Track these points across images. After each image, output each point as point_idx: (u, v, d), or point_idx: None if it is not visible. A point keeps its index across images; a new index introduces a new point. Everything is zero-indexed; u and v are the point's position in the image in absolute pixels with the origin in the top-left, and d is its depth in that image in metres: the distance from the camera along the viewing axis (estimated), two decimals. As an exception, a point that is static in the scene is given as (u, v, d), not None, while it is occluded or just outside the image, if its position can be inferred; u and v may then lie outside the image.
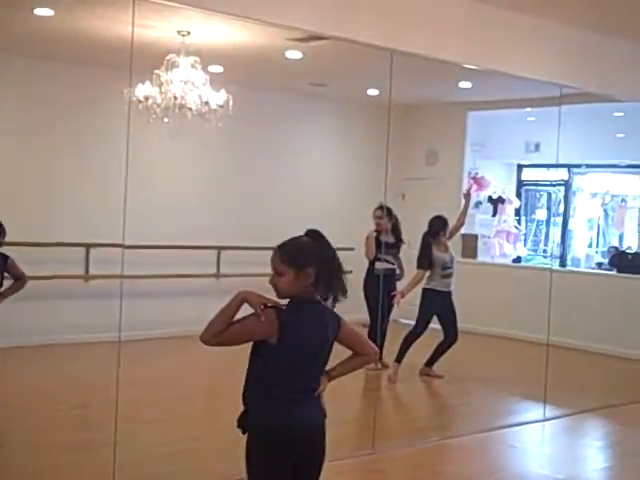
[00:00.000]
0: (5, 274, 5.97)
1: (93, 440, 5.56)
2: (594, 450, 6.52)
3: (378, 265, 8.09)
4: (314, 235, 3.22)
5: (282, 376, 3.01)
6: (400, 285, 8.20)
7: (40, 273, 8.36)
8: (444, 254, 7.91)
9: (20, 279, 5.99)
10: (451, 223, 8.21)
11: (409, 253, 8.64)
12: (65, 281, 8.29)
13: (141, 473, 5.02)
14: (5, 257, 6.00)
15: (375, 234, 8.34)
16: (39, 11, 6.47)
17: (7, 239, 8.23)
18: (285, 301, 3.05)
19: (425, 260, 7.81)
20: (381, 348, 8.02)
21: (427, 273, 7.87)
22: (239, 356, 6.47)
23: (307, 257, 3.09)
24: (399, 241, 8.50)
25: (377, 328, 7.66)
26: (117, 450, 4.84)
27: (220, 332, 3.07)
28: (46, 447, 5.41)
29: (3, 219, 8.12)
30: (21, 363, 7.87)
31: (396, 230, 8.50)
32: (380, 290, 7.70)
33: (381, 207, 8.28)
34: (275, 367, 3.00)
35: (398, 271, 8.40)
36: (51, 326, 8.47)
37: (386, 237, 8.32)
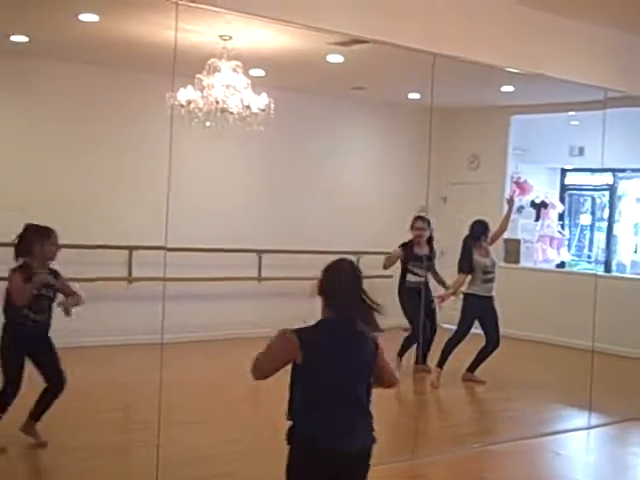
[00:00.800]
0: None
1: (136, 441, 5.59)
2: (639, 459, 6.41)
3: (410, 277, 8.12)
4: (338, 262, 3.36)
5: (318, 395, 3.11)
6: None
7: (83, 275, 8.47)
8: (485, 259, 7.84)
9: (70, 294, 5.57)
10: (493, 228, 8.13)
11: (442, 260, 8.62)
12: (108, 283, 8.36)
13: (184, 475, 5.03)
14: (56, 273, 5.60)
15: (400, 249, 8.20)
16: (84, 17, 6.56)
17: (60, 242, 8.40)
18: None
19: (466, 264, 7.74)
20: (425, 354, 8.01)
21: (468, 278, 7.80)
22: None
23: (320, 283, 3.28)
24: (432, 253, 8.35)
25: (418, 337, 7.68)
26: (160, 451, 4.87)
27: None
28: (90, 448, 5.45)
29: (48, 222, 8.22)
30: (64, 365, 7.96)
31: (431, 242, 8.36)
32: (415, 302, 7.66)
33: (422, 218, 8.20)
34: (309, 386, 3.12)
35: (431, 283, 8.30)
36: (94, 328, 8.56)
37: (419, 249, 8.20)
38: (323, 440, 3.07)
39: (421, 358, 8.03)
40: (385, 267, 8.14)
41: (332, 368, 3.11)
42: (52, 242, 5.42)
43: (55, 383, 5.42)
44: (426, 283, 8.13)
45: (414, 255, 8.12)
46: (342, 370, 3.13)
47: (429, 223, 8.25)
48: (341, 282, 3.27)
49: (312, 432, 3.09)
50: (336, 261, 3.34)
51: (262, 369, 3.24)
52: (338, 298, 3.22)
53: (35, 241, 5.37)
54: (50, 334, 5.53)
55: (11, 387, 5.28)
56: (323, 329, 3.20)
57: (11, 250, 5.46)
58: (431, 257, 8.27)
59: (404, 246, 8.20)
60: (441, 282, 8.25)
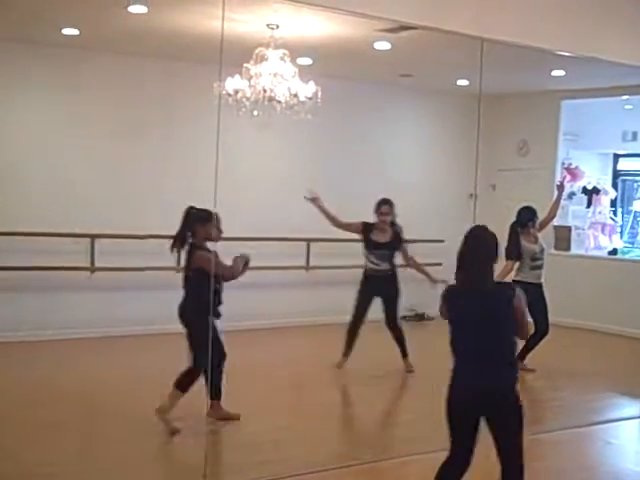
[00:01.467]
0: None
1: (185, 428, 5.65)
2: (694, 448, 6.29)
3: (367, 265, 7.60)
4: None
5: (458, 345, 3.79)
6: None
7: (133, 265, 8.60)
8: (533, 245, 7.74)
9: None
10: (542, 215, 8.02)
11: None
12: (157, 272, 8.46)
13: (232, 461, 5.09)
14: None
15: (362, 226, 7.55)
16: (133, 8, 6.63)
17: (105, 231, 8.53)
18: None
19: (513, 251, 7.63)
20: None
21: (516, 265, 7.71)
22: (326, 347, 6.44)
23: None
24: (396, 241, 7.59)
25: (354, 327, 7.51)
26: (208, 439, 4.92)
27: None
28: (139, 435, 5.54)
29: (98, 214, 8.38)
30: (116, 351, 8.09)
31: (395, 228, 7.62)
32: (364, 293, 7.50)
33: (387, 202, 7.58)
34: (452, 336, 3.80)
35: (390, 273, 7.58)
36: (145, 316, 8.69)
37: (380, 236, 7.53)
38: (459, 380, 3.77)
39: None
40: (336, 226, 7.57)
41: (465, 321, 3.75)
42: (214, 225, 5.64)
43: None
44: (391, 274, 7.59)
45: (372, 242, 7.50)
46: (474, 323, 3.71)
47: (393, 207, 7.60)
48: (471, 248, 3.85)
49: (453, 379, 3.78)
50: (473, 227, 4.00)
51: None
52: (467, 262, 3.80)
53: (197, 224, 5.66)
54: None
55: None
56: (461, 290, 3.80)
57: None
58: (395, 246, 7.56)
59: (365, 227, 7.56)
60: (419, 269, 7.70)
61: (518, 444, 3.81)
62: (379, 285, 7.52)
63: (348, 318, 7.54)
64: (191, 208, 5.75)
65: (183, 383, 5.54)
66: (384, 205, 7.51)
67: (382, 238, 7.48)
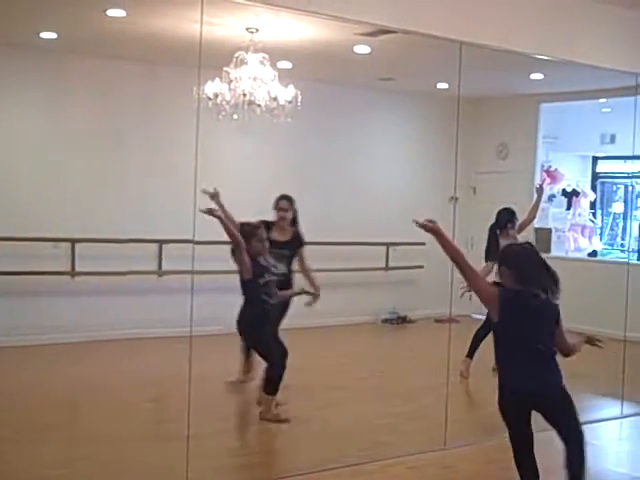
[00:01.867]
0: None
1: (167, 432, 5.63)
2: (674, 448, 6.33)
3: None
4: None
5: (509, 348, 4.23)
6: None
7: (114, 269, 8.56)
8: None
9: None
10: (522, 217, 8.05)
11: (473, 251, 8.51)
12: (139, 277, 8.43)
13: (214, 465, 5.07)
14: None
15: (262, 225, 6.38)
16: (112, 12, 6.60)
17: (85, 236, 8.48)
18: None
19: (492, 252, 7.65)
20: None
21: (495, 267, 7.70)
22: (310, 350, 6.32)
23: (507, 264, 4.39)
24: (296, 241, 6.81)
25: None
26: (190, 443, 4.90)
27: None
28: (121, 439, 5.52)
29: (79, 218, 8.31)
30: (97, 356, 8.04)
31: (295, 226, 6.88)
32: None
33: (286, 197, 6.86)
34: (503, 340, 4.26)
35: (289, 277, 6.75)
36: (124, 321, 8.65)
37: (280, 234, 6.72)
38: (508, 383, 4.20)
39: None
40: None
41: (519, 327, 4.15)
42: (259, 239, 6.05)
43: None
44: (287, 277, 6.67)
45: (271, 241, 6.43)
46: (527, 329, 4.14)
47: (293, 203, 6.89)
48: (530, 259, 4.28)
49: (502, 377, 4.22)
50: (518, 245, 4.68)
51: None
52: (528, 271, 4.21)
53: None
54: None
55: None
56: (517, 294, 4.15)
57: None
58: (294, 246, 6.78)
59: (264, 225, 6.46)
60: (307, 274, 6.80)
61: (575, 416, 4.32)
62: None
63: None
64: (242, 224, 6.16)
65: (269, 388, 5.95)
66: (282, 200, 6.81)
67: (281, 237, 6.71)
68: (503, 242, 7.70)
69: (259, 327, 5.97)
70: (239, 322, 6.07)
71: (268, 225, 6.62)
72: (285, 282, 6.54)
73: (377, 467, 5.18)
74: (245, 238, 5.94)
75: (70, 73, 8.54)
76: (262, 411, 6.02)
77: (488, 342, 7.68)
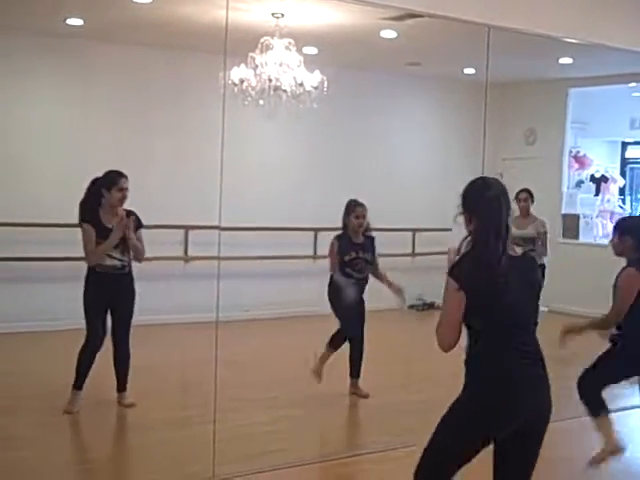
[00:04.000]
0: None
1: (193, 418, 5.66)
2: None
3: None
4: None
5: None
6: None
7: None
8: (521, 230, 7.63)
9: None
10: (552, 200, 7.95)
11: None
12: (165, 263, 8.46)
13: (240, 451, 5.09)
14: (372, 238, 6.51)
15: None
16: (138, -2, 6.61)
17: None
18: None
19: None
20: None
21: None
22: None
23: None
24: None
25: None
26: (217, 428, 4.92)
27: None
28: (148, 424, 5.56)
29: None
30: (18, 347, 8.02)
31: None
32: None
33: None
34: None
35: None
36: (152, 307, 8.67)
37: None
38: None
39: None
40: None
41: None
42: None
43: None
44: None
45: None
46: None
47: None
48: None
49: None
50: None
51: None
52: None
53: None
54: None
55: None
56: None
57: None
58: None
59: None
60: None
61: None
62: None
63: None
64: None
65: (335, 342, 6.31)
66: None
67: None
68: (513, 225, 7.58)
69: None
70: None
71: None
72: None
73: (404, 453, 5.15)
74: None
75: (96, 60, 8.56)
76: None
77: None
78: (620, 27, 6.87)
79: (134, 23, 7.59)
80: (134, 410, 5.79)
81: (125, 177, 5.78)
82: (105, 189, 5.72)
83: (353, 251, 6.43)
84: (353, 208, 6.48)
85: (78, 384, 5.73)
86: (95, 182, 5.80)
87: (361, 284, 6.47)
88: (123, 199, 5.76)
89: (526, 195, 7.68)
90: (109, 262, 5.73)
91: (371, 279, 6.62)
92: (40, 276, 8.31)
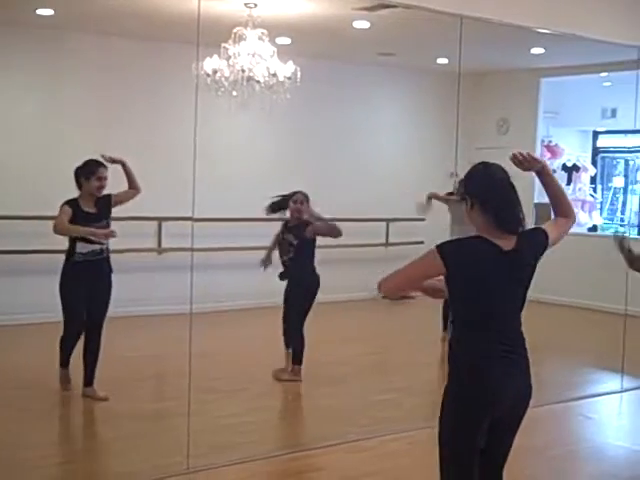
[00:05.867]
0: None
1: (168, 409, 5.66)
2: (674, 422, 6.36)
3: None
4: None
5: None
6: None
7: (114, 247, 8.53)
8: None
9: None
10: (524, 189, 8.00)
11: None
12: (138, 254, 8.42)
13: (214, 442, 5.09)
14: None
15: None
16: (108, -12, 6.55)
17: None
18: None
19: None
20: None
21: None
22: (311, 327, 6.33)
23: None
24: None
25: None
26: (191, 420, 4.92)
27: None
28: (121, 416, 5.54)
29: (75, 195, 8.25)
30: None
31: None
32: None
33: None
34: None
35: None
36: (125, 298, 8.63)
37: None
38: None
39: None
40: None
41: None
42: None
43: None
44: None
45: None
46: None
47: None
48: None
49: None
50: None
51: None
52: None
53: None
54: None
55: None
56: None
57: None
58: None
59: None
60: None
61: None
62: None
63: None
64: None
65: None
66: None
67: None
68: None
69: None
70: None
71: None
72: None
73: (377, 443, 5.20)
74: None
75: (67, 50, 8.47)
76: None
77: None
78: (591, 17, 6.92)
79: (106, 13, 7.51)
80: (107, 403, 5.76)
81: (104, 166, 5.83)
82: (84, 178, 5.78)
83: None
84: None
85: (64, 363, 5.88)
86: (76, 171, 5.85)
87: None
88: (101, 188, 5.80)
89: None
90: (89, 248, 5.74)
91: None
92: (19, 269, 8.23)
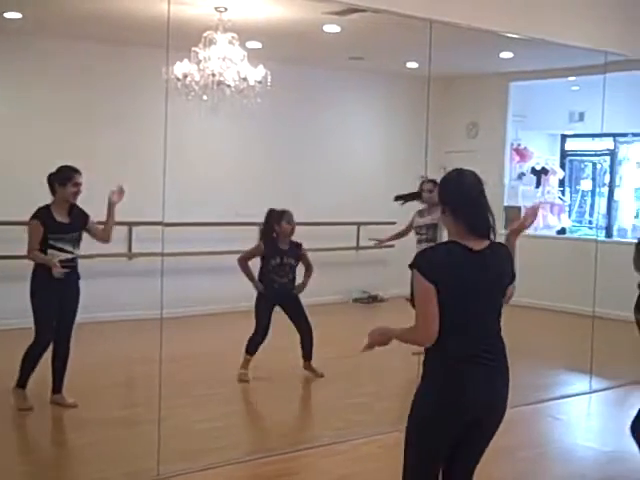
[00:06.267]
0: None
1: (137, 416, 5.62)
2: (641, 423, 6.42)
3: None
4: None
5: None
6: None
7: (84, 252, 8.46)
8: (421, 218, 7.71)
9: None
10: (494, 193, 8.04)
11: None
12: (108, 259, 8.37)
13: (184, 449, 5.07)
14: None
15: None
16: (77, -9, 6.50)
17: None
18: None
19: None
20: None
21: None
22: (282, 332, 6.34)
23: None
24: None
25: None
26: (161, 426, 4.89)
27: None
28: (91, 422, 5.49)
29: (44, 200, 8.19)
30: (73, 339, 7.97)
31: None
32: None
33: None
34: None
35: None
36: (95, 304, 8.57)
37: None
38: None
39: None
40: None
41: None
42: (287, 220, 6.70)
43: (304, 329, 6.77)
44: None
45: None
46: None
47: None
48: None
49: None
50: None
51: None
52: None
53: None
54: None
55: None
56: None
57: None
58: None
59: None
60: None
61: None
62: None
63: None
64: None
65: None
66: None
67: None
68: (418, 214, 7.70)
69: None
70: None
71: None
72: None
73: (349, 447, 5.21)
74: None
75: (35, 54, 8.40)
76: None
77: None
78: (559, 22, 7.00)
79: (74, 17, 7.46)
80: (77, 410, 5.72)
81: (79, 172, 5.80)
82: (59, 184, 5.71)
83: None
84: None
85: (21, 383, 5.67)
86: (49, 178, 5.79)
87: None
88: (77, 194, 5.77)
89: (431, 186, 7.57)
90: (61, 256, 5.66)
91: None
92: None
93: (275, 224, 6.72)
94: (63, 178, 5.72)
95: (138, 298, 7.94)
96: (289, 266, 6.76)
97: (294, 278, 6.83)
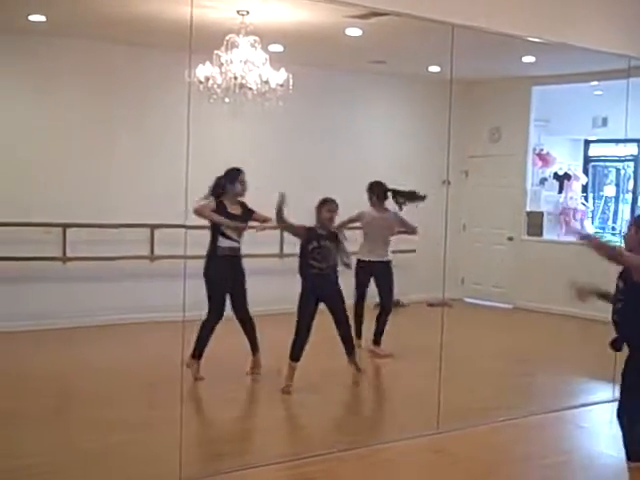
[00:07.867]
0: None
1: (160, 418, 5.62)
2: (665, 431, 6.35)
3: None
4: None
5: None
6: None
7: (106, 254, 8.53)
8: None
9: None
10: (516, 198, 8.02)
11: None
12: (131, 262, 8.41)
13: (207, 451, 5.07)
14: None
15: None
16: (101, -6, 6.54)
17: (76, 221, 8.44)
18: None
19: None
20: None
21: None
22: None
23: None
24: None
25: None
26: (183, 428, 4.89)
27: None
28: (114, 424, 5.50)
29: (68, 203, 8.26)
30: (88, 342, 8.02)
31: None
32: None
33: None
34: None
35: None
36: (118, 306, 8.62)
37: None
38: None
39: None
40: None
41: None
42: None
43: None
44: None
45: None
46: None
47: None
48: None
49: None
50: None
51: None
52: None
53: None
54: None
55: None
56: None
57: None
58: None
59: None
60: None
61: None
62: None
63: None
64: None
65: None
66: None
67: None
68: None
69: None
70: None
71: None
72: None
73: (368, 452, 5.18)
74: None
75: (60, 56, 8.47)
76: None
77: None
78: (581, 26, 6.95)
79: (98, 19, 7.51)
80: (100, 411, 5.73)
81: (243, 172, 6.82)
82: (229, 183, 6.67)
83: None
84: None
85: (197, 354, 6.50)
86: (220, 178, 6.72)
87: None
88: (244, 190, 6.80)
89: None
90: (228, 244, 6.59)
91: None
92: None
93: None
94: (232, 178, 6.68)
95: (160, 300, 7.95)
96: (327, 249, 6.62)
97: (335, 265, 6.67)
